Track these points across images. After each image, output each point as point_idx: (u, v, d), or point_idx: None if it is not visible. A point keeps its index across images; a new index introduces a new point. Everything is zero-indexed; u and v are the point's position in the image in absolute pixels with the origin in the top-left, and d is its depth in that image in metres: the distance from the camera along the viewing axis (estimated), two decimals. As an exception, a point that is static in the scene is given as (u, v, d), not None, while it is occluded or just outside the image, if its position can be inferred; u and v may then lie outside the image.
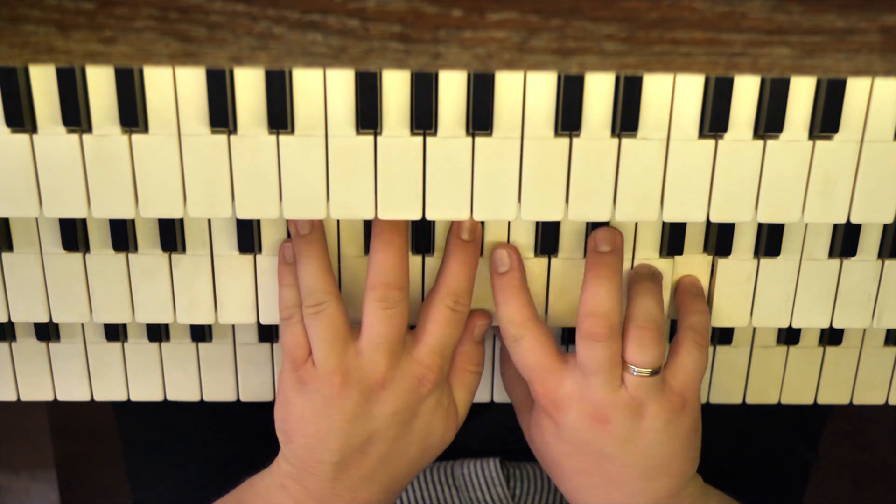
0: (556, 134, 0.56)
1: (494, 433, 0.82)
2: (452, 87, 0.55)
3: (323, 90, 0.55)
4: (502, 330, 0.61)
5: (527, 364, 0.60)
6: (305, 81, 0.55)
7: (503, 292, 0.60)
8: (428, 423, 0.61)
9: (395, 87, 0.55)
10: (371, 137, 0.56)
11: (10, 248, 0.61)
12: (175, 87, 0.55)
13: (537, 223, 0.61)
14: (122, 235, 0.61)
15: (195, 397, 0.68)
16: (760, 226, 0.62)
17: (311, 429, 0.60)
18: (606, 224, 0.61)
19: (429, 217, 0.58)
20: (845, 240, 0.62)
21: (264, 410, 0.79)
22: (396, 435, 0.60)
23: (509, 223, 0.62)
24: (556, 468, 0.63)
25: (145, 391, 0.68)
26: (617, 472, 0.60)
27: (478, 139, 0.56)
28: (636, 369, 0.58)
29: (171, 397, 0.68)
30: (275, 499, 0.61)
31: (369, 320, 0.58)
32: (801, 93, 0.56)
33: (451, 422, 0.63)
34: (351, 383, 0.58)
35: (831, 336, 0.68)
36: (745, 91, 0.56)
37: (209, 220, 0.61)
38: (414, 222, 0.61)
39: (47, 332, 0.66)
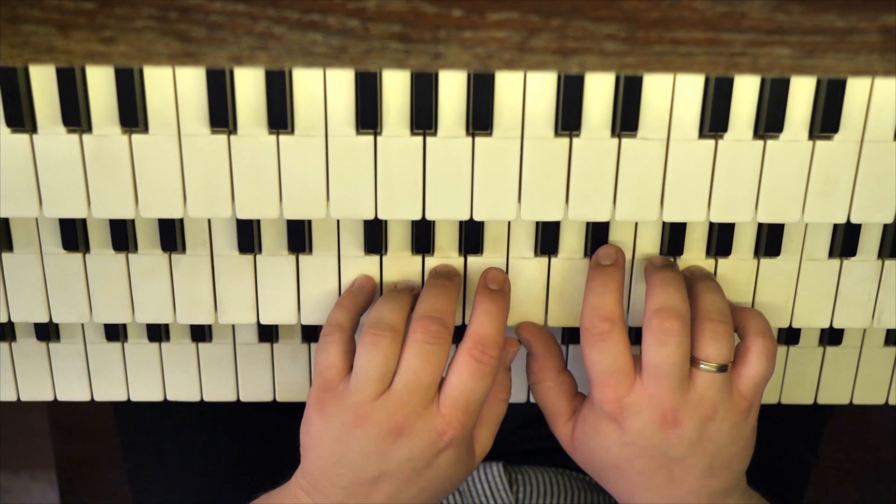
0: (556, 134, 0.56)
1: (497, 437, 0.82)
2: (452, 87, 0.55)
3: (323, 90, 0.55)
4: (589, 323, 0.59)
5: (606, 363, 0.58)
6: (305, 81, 0.55)
7: (602, 282, 0.59)
8: (443, 472, 0.60)
9: (395, 87, 0.55)
10: (371, 137, 0.56)
11: (10, 248, 0.61)
12: (175, 87, 0.55)
13: (537, 223, 0.61)
14: (122, 235, 0.61)
15: (195, 397, 0.68)
16: (760, 226, 0.62)
17: (327, 451, 0.59)
18: (606, 224, 0.61)
19: (429, 217, 0.58)
20: (845, 240, 0.62)
21: (264, 410, 0.79)
22: (408, 479, 0.59)
23: (509, 223, 0.62)
24: (614, 472, 0.62)
25: (145, 391, 0.68)
26: (681, 471, 0.60)
27: (478, 139, 0.56)
28: (706, 365, 0.58)
29: (171, 397, 0.68)
30: None
31: (406, 357, 0.57)
32: (801, 93, 0.56)
33: (468, 469, 0.62)
34: (369, 424, 0.57)
35: (831, 336, 0.68)
36: (745, 91, 0.56)
37: (209, 220, 0.61)
38: (414, 222, 0.61)
39: (47, 332, 0.66)
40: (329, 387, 0.59)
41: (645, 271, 0.62)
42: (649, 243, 0.62)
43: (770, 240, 0.62)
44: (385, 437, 0.57)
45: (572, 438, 0.63)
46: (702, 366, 0.58)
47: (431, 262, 0.62)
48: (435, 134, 0.56)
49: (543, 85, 0.55)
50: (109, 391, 0.68)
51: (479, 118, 0.55)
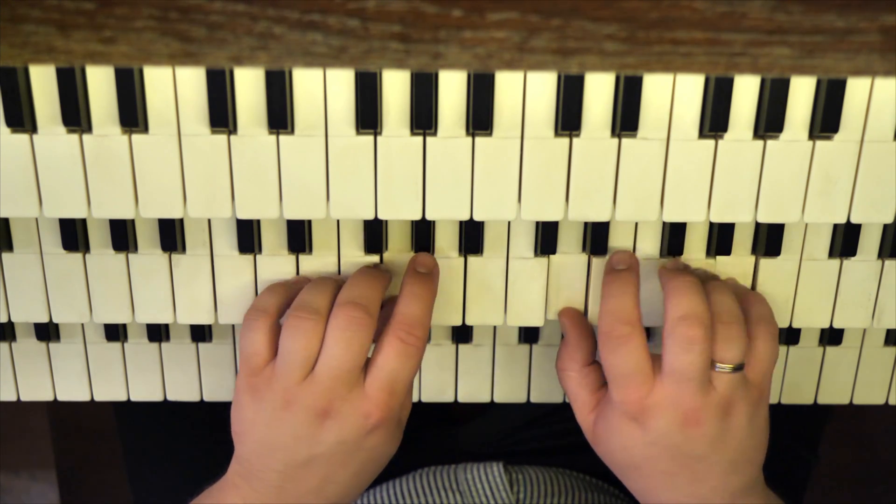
0: (556, 134, 0.56)
1: (496, 434, 0.82)
2: (452, 87, 0.55)
3: (323, 90, 0.55)
4: (608, 326, 0.59)
5: (627, 366, 0.58)
6: (305, 81, 0.55)
7: (618, 286, 0.59)
8: (375, 453, 0.60)
9: (395, 87, 0.55)
10: (371, 137, 0.56)
11: (10, 248, 0.61)
12: (175, 87, 0.55)
13: (537, 223, 0.61)
14: (122, 235, 0.61)
15: (195, 397, 0.68)
16: (760, 226, 0.62)
17: (260, 435, 0.59)
18: (606, 224, 0.61)
19: (429, 217, 0.58)
20: (845, 240, 0.62)
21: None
22: (341, 462, 0.59)
23: (509, 223, 0.61)
24: (634, 470, 0.62)
25: (145, 391, 0.68)
26: (703, 469, 0.60)
27: (478, 139, 0.56)
28: (722, 366, 0.58)
29: (171, 397, 0.68)
30: (227, 497, 0.61)
31: (328, 343, 0.57)
32: (801, 93, 0.56)
33: (397, 442, 0.62)
34: (297, 407, 0.58)
35: (831, 336, 0.68)
36: (745, 91, 0.56)
37: (209, 220, 0.61)
38: (414, 222, 0.61)
39: (47, 332, 0.66)
40: (256, 371, 0.59)
41: (660, 275, 0.62)
42: (649, 243, 0.62)
43: (770, 240, 0.62)
44: (313, 420, 0.58)
45: (594, 433, 0.63)
46: (718, 367, 0.58)
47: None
48: (435, 134, 0.56)
49: (543, 85, 0.55)
50: (109, 391, 0.68)
51: (479, 118, 0.55)
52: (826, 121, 0.56)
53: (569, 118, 0.55)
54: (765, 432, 0.62)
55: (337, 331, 0.57)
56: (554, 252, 0.62)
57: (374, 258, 0.62)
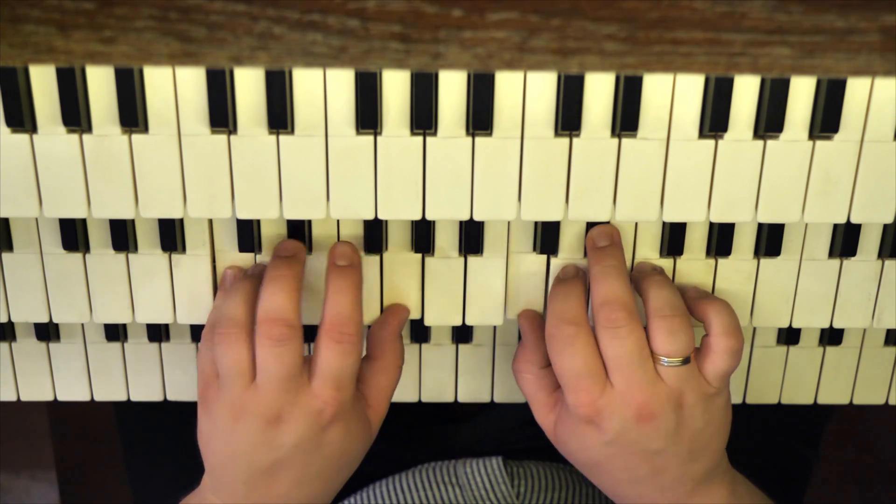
0: (556, 134, 0.56)
1: (495, 433, 0.82)
2: (452, 87, 0.55)
3: (323, 90, 0.55)
4: (554, 329, 0.59)
5: (575, 367, 0.58)
6: (305, 81, 0.55)
7: (564, 290, 0.60)
8: (337, 448, 0.60)
9: (395, 87, 0.55)
10: (371, 137, 0.56)
11: (10, 248, 0.61)
12: (175, 87, 0.55)
13: (537, 223, 0.61)
14: (122, 235, 0.61)
15: (195, 397, 0.68)
16: (760, 226, 0.62)
17: (219, 448, 0.60)
18: (607, 223, 0.61)
19: (429, 217, 0.58)
20: (845, 240, 0.62)
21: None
22: (304, 462, 0.59)
23: (509, 223, 0.61)
24: (596, 469, 0.62)
25: (145, 391, 0.68)
26: (662, 462, 0.60)
27: (478, 139, 0.56)
28: (668, 360, 0.58)
29: (171, 397, 0.68)
30: None
31: (260, 357, 0.57)
32: (801, 93, 0.56)
33: (365, 436, 0.62)
34: (247, 417, 0.58)
35: (831, 336, 0.68)
36: (745, 91, 0.56)
37: (209, 220, 0.61)
38: (414, 222, 0.61)
39: (47, 332, 0.66)
40: (208, 384, 0.60)
41: (587, 262, 0.61)
42: (649, 243, 0.62)
43: (770, 240, 0.62)
44: (266, 427, 0.58)
45: (555, 434, 0.63)
46: (663, 361, 0.58)
47: (431, 262, 0.62)
48: (435, 134, 0.56)
49: (543, 85, 0.55)
50: (109, 391, 0.68)
51: (479, 118, 0.55)
52: (826, 121, 0.56)
53: (569, 118, 0.55)
54: (724, 420, 0.62)
55: (264, 349, 0.57)
56: (554, 252, 0.62)
57: (374, 258, 0.62)
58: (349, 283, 0.59)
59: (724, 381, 0.60)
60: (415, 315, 0.64)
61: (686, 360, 0.58)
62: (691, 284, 0.63)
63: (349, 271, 0.60)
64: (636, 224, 0.62)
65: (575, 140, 0.56)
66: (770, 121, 0.56)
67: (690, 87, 0.55)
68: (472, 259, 0.62)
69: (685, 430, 0.59)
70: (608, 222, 0.61)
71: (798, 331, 0.67)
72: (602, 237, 0.60)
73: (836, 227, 0.62)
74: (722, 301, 0.61)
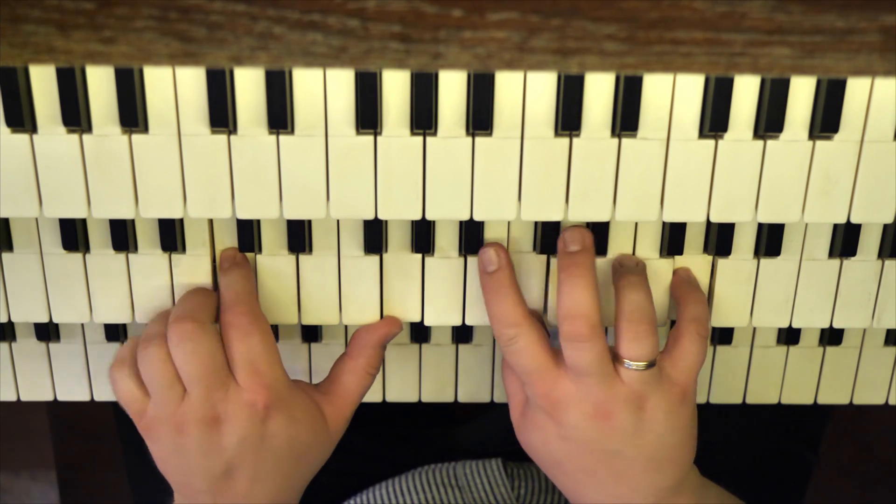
0: (556, 134, 0.56)
1: (495, 434, 0.82)
2: (452, 87, 0.55)
3: (323, 90, 0.55)
4: (496, 331, 0.61)
5: (522, 364, 0.60)
6: (305, 81, 0.55)
7: (495, 292, 0.60)
8: (285, 439, 0.60)
9: (395, 87, 0.55)
10: (371, 137, 0.56)
11: (10, 248, 0.61)
12: (175, 87, 0.55)
13: (537, 223, 0.61)
14: (122, 235, 0.61)
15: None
16: (760, 226, 0.62)
17: (174, 466, 0.61)
18: (606, 224, 0.61)
19: (429, 217, 0.58)
20: (845, 240, 0.62)
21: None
22: (255, 458, 0.60)
23: (509, 223, 0.61)
24: (556, 467, 0.63)
25: (145, 391, 0.67)
26: (622, 466, 0.60)
27: (478, 139, 0.56)
28: (631, 363, 0.58)
29: (171, 397, 0.68)
30: None
31: (176, 362, 0.58)
32: (801, 93, 0.56)
33: (317, 428, 0.62)
34: (188, 427, 0.58)
35: (831, 336, 0.68)
36: (745, 91, 0.56)
37: (209, 220, 0.61)
38: (414, 222, 0.61)
39: (47, 332, 0.66)
40: (141, 414, 0.60)
41: (558, 261, 0.60)
42: (649, 243, 0.62)
43: (770, 240, 0.62)
44: (209, 431, 0.58)
45: (519, 429, 0.64)
46: (627, 364, 0.58)
47: (431, 262, 0.62)
48: (435, 134, 0.56)
49: (543, 85, 0.55)
50: (109, 391, 0.67)
51: (479, 118, 0.55)
52: (826, 121, 0.56)
53: (569, 118, 0.55)
54: (690, 433, 0.62)
55: (176, 349, 0.58)
56: (554, 252, 0.62)
57: (374, 258, 0.62)
58: (237, 276, 0.60)
59: (690, 379, 0.60)
60: (415, 315, 0.64)
61: (650, 365, 0.58)
62: (686, 268, 0.63)
63: (234, 268, 0.61)
64: (636, 224, 0.62)
65: (575, 140, 0.56)
66: (770, 121, 0.56)
67: (690, 87, 0.55)
68: (472, 259, 0.62)
69: (645, 433, 0.59)
70: (608, 223, 0.61)
71: (798, 331, 0.67)
72: (574, 241, 0.60)
73: (836, 227, 0.62)
74: (703, 294, 0.62)
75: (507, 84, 0.55)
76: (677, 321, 0.62)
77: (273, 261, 0.62)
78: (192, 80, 0.55)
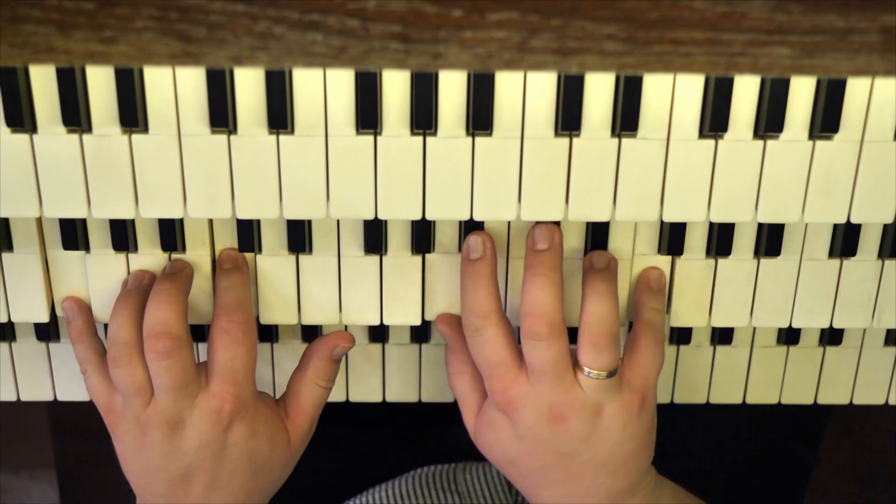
0: (556, 134, 0.56)
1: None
2: (452, 87, 0.55)
3: (323, 90, 0.55)
4: (464, 320, 0.60)
5: (485, 357, 0.60)
6: (305, 81, 0.55)
7: (472, 280, 0.60)
8: (244, 448, 0.60)
9: (395, 87, 0.55)
10: (371, 137, 0.56)
11: (10, 248, 0.61)
12: (175, 87, 0.55)
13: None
14: (122, 235, 0.61)
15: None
16: (760, 226, 0.62)
17: (134, 466, 0.61)
18: (606, 224, 0.61)
19: (429, 217, 0.58)
20: (845, 240, 0.62)
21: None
22: (214, 465, 0.60)
23: (509, 223, 0.61)
24: (511, 466, 0.62)
25: (145, 391, 0.67)
26: (576, 468, 0.60)
27: (478, 139, 0.56)
28: (592, 372, 0.58)
29: (170, 397, 0.68)
30: None
31: (151, 372, 0.59)
32: (801, 93, 0.56)
33: (277, 441, 0.62)
34: (151, 429, 0.59)
35: (831, 336, 0.68)
36: (745, 91, 0.56)
37: (209, 220, 0.61)
38: (414, 222, 0.61)
39: (47, 332, 0.66)
40: (109, 410, 0.61)
41: (525, 258, 0.60)
42: (649, 243, 0.62)
43: (770, 240, 0.62)
44: (170, 434, 0.59)
45: (475, 428, 0.64)
46: (586, 371, 0.58)
47: (432, 261, 0.62)
48: (435, 134, 0.56)
49: (543, 85, 0.55)
50: (109, 391, 0.67)
51: (479, 118, 0.55)
52: (826, 121, 0.56)
53: (569, 118, 0.55)
54: (647, 441, 0.62)
55: (153, 363, 0.58)
56: (554, 252, 0.62)
57: (374, 258, 0.62)
58: (236, 280, 0.61)
59: (648, 386, 0.60)
60: (415, 315, 0.64)
61: (611, 374, 0.58)
62: (660, 271, 0.63)
63: (234, 271, 0.61)
64: (636, 224, 0.62)
65: (575, 140, 0.56)
66: (770, 121, 0.56)
67: (690, 87, 0.55)
68: (472, 259, 0.62)
69: (601, 440, 0.59)
70: (608, 223, 0.61)
71: (798, 331, 0.67)
72: (542, 239, 0.59)
73: (836, 227, 0.62)
74: (663, 299, 0.62)
75: (507, 84, 0.55)
76: (634, 325, 0.62)
77: (273, 261, 0.62)
78: (192, 80, 0.55)
